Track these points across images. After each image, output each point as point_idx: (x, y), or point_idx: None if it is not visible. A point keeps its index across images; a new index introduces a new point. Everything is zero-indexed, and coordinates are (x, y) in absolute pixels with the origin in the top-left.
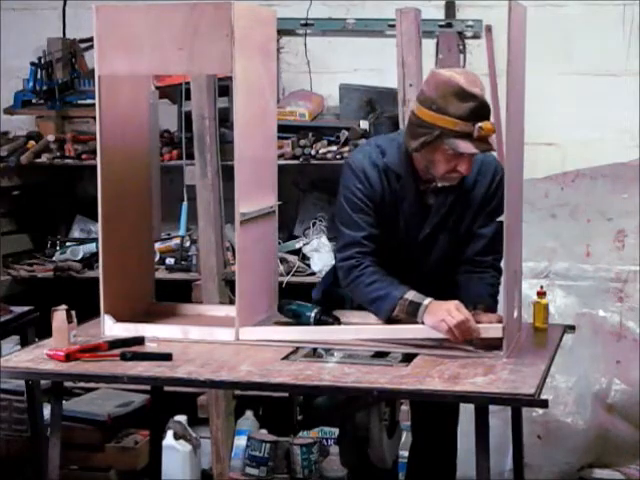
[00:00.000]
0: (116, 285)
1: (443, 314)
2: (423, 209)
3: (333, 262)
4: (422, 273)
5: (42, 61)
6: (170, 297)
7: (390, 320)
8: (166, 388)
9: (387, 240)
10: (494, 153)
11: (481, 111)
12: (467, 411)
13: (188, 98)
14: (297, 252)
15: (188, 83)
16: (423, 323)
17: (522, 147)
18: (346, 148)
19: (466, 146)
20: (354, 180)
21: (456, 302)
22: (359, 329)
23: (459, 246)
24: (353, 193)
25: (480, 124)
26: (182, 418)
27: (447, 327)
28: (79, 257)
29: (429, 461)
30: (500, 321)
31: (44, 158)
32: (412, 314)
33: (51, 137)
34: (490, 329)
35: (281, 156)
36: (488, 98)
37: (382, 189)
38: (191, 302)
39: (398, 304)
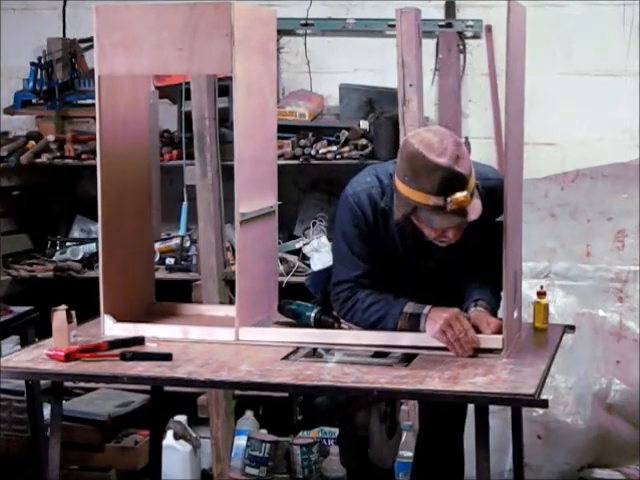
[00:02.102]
0: (116, 285)
1: (444, 326)
2: (424, 246)
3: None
4: (423, 285)
5: (42, 61)
6: (170, 297)
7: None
8: (166, 388)
9: (387, 266)
10: (494, 161)
11: (451, 183)
12: (467, 411)
13: (188, 98)
14: (297, 252)
15: (188, 83)
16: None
17: (522, 147)
18: (346, 148)
19: (440, 221)
20: (351, 218)
21: (456, 311)
22: (358, 334)
23: (464, 262)
24: (351, 231)
25: (451, 197)
26: (182, 418)
27: (447, 340)
28: (79, 257)
29: (435, 456)
30: (499, 325)
31: (44, 158)
32: (414, 325)
33: (51, 137)
34: (489, 340)
35: (281, 156)
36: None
37: (379, 227)
38: (191, 302)
39: (399, 320)
